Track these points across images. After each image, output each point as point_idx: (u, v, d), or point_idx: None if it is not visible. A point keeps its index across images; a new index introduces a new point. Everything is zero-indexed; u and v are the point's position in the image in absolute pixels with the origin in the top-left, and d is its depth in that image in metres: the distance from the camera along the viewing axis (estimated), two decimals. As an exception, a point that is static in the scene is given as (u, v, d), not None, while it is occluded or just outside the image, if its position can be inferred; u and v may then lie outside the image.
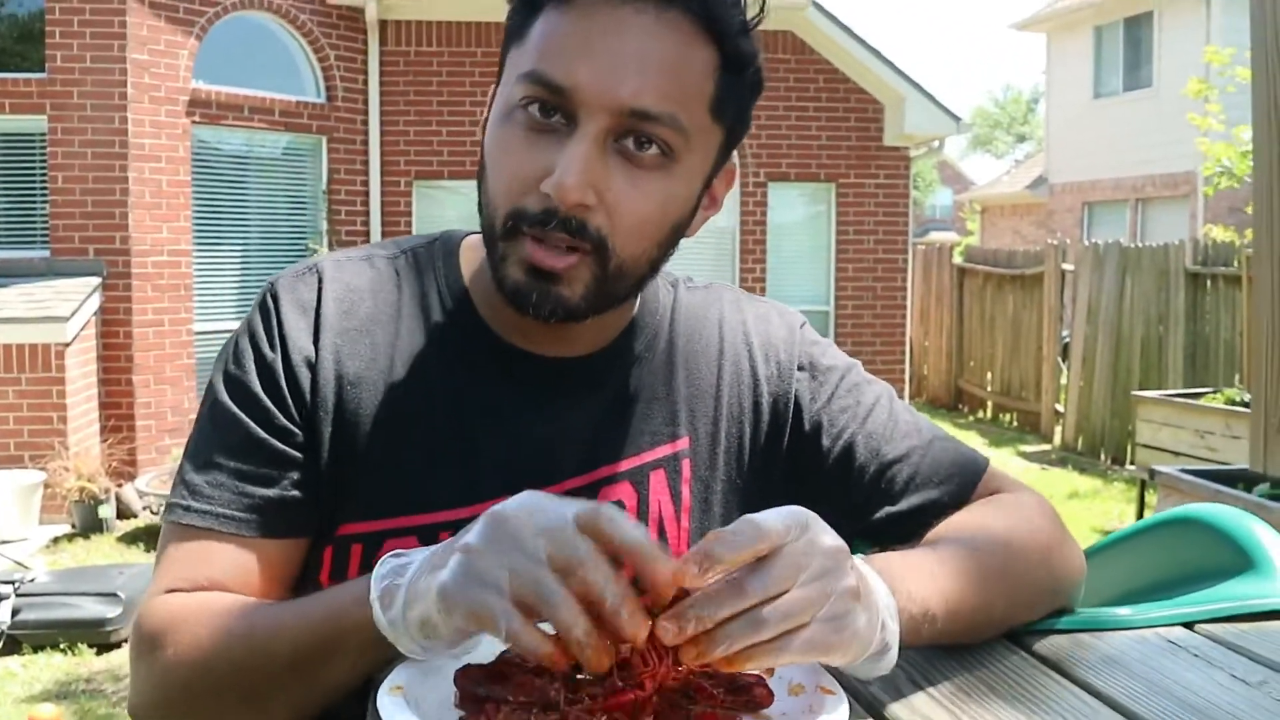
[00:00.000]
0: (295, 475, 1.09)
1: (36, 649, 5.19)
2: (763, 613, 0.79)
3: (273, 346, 1.11)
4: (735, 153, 1.13)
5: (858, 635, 0.84)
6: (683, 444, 1.18)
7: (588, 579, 0.77)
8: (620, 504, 1.14)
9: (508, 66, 1.06)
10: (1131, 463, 9.32)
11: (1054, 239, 12.16)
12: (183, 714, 1.04)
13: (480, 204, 1.07)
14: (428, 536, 0.94)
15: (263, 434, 1.09)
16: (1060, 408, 11.13)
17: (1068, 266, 11.09)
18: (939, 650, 1.05)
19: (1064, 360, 11.28)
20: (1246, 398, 7.43)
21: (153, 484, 7.47)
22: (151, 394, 8.28)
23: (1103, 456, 10.27)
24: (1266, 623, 1.17)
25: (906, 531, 1.13)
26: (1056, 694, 0.97)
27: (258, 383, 1.10)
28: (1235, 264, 9.40)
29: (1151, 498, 7.87)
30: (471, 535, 0.83)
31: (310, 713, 1.00)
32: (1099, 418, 10.40)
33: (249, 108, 8.87)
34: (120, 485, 7.70)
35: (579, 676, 0.90)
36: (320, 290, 1.14)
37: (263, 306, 1.14)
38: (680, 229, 1.09)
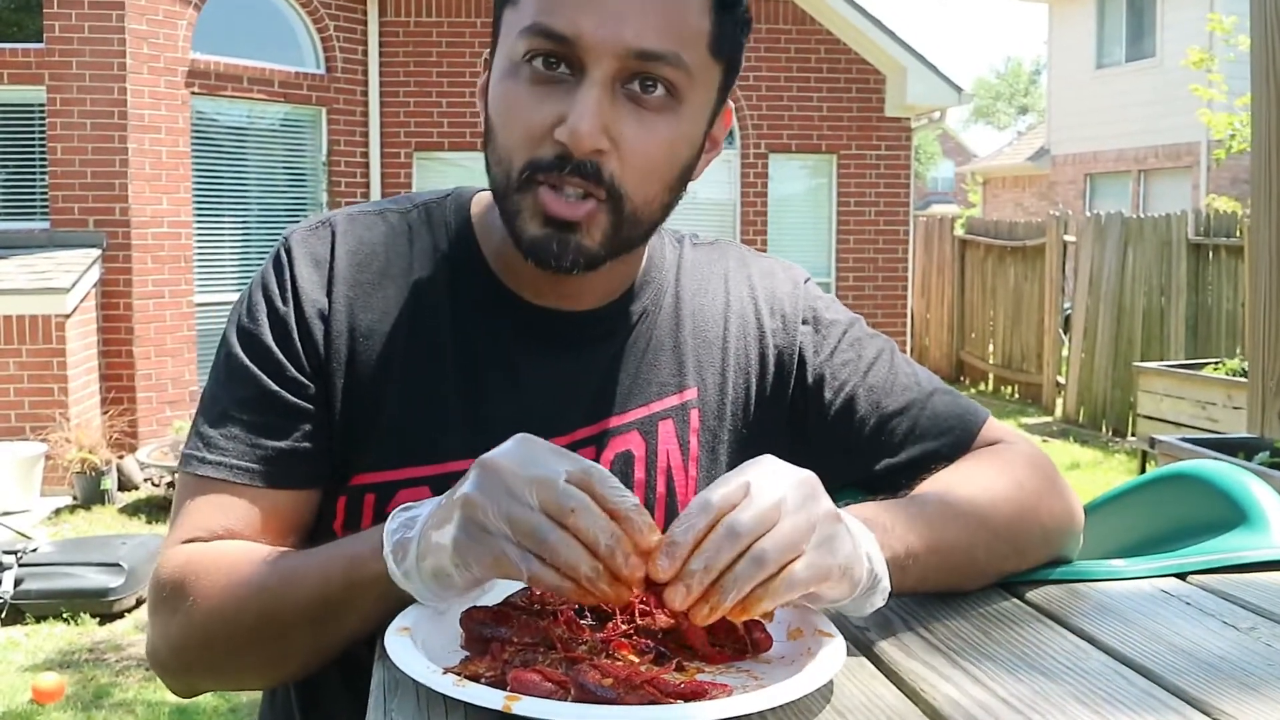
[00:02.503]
0: (307, 427, 1.11)
1: (39, 619, 5.23)
2: (762, 547, 0.82)
3: (285, 300, 1.13)
4: (729, 95, 1.15)
5: (849, 558, 0.87)
6: (690, 394, 1.20)
7: (580, 524, 0.81)
8: (629, 454, 1.17)
9: (504, 26, 1.07)
10: (1132, 434, 9.34)
11: (1056, 211, 12.15)
12: (201, 660, 1.07)
13: (488, 165, 1.09)
14: (440, 486, 0.96)
15: (275, 386, 1.11)
16: (1061, 379, 11.15)
17: (1069, 238, 11.09)
18: (933, 598, 1.07)
19: (1065, 332, 11.29)
20: (1247, 368, 7.45)
21: (154, 455, 7.50)
22: (152, 366, 8.30)
23: (1104, 428, 10.30)
24: (1258, 574, 1.18)
25: (905, 482, 1.15)
26: (1049, 639, 0.98)
27: (270, 336, 1.12)
28: (1238, 235, 9.40)
29: (1152, 468, 7.90)
30: (467, 485, 0.85)
31: (324, 659, 1.03)
32: (1100, 389, 10.42)
33: (248, 79, 8.85)
34: (121, 457, 7.73)
35: (582, 620, 0.92)
36: (334, 243, 1.16)
37: (276, 260, 1.15)
38: (687, 171, 1.11)
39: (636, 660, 0.85)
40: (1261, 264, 2.19)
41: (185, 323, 8.58)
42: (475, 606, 0.90)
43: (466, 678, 0.80)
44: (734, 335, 1.23)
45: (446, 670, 0.81)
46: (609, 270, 1.13)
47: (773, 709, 0.79)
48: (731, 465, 1.20)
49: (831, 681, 0.85)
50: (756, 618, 0.94)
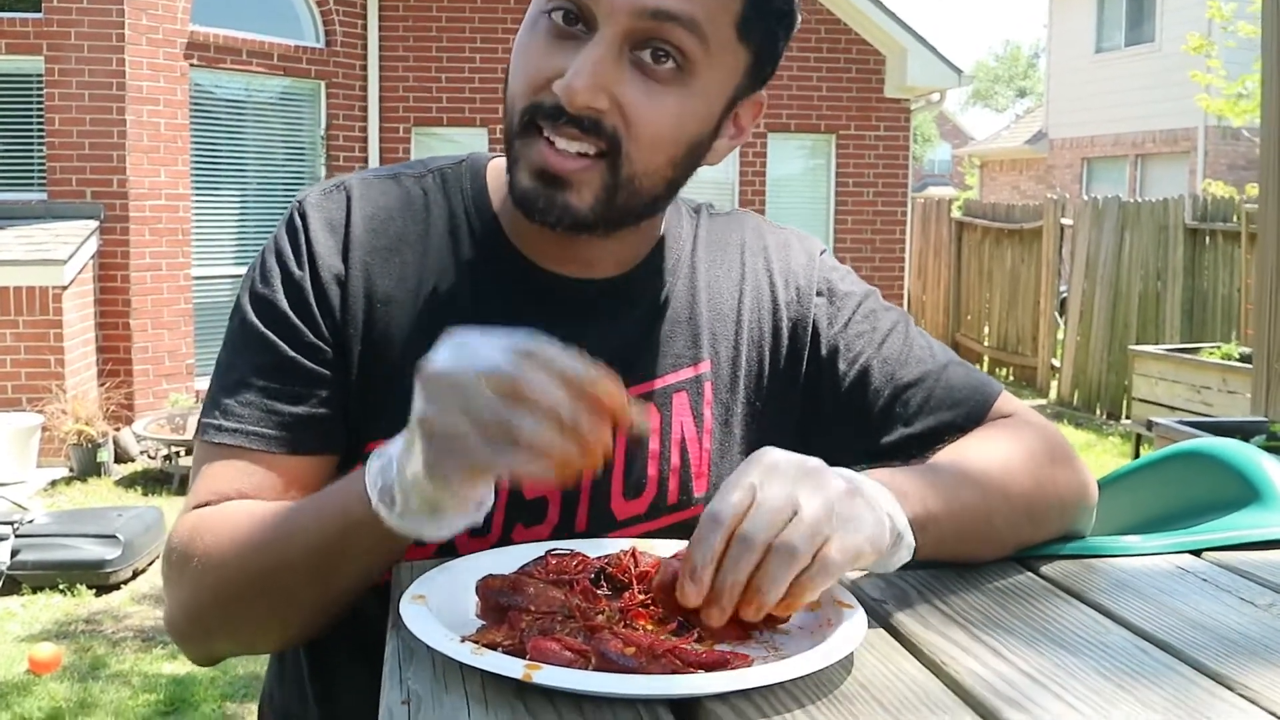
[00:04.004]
0: (324, 393, 1.11)
1: (36, 589, 5.22)
2: (788, 540, 0.81)
3: (301, 264, 1.11)
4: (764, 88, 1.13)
5: (872, 529, 0.87)
6: (705, 367, 1.19)
7: (537, 397, 0.79)
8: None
9: None
10: (1127, 417, 9.35)
11: (1053, 194, 12.14)
12: (214, 621, 1.06)
13: (504, 119, 1.08)
14: None
15: (291, 352, 1.10)
16: (1057, 362, 11.15)
17: (1066, 221, 11.08)
18: (949, 571, 1.06)
19: (1061, 315, 11.29)
20: (1244, 352, 7.46)
21: (150, 428, 7.49)
22: (149, 338, 8.28)
23: (1098, 411, 10.31)
24: (1272, 551, 1.18)
25: (919, 453, 1.15)
26: (1068, 613, 0.97)
27: (286, 301, 1.11)
28: (1234, 220, 9.39)
29: (1146, 451, 7.91)
30: (419, 404, 0.84)
31: (334, 611, 1.03)
32: (1095, 372, 10.43)
33: (247, 51, 8.81)
34: (118, 429, 7.72)
35: (598, 589, 0.91)
36: (349, 208, 1.14)
37: (290, 224, 1.14)
38: (698, 150, 1.10)
39: (654, 630, 0.84)
40: (1268, 245, 2.19)
41: (182, 296, 8.55)
42: (491, 575, 0.89)
43: (484, 646, 0.79)
44: (748, 307, 1.22)
45: (464, 639, 0.80)
46: (622, 238, 1.13)
47: (794, 680, 0.78)
48: (745, 437, 1.20)
49: (852, 653, 0.84)
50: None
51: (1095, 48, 19.34)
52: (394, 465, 0.89)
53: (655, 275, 1.20)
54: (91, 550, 5.29)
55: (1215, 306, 9.72)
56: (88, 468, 7.35)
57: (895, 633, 0.93)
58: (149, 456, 7.73)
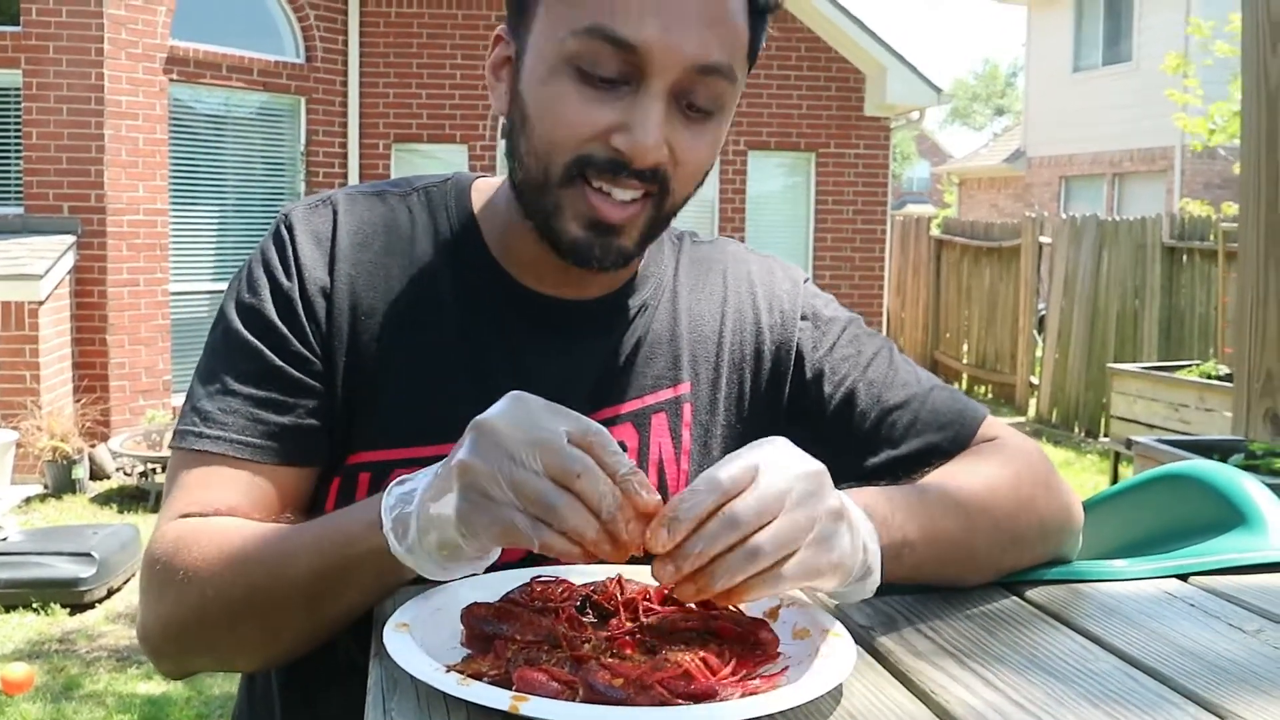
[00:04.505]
0: (310, 403, 1.10)
1: (8, 608, 5.17)
2: (759, 541, 0.81)
3: (289, 275, 1.12)
4: None
5: (845, 556, 0.87)
6: (684, 388, 1.20)
7: (585, 489, 0.80)
8: (623, 445, 1.15)
9: (544, 11, 1.04)
10: (1105, 435, 9.38)
11: (1031, 212, 12.19)
12: (193, 637, 1.04)
13: (517, 154, 1.08)
14: None
15: (279, 361, 1.09)
16: (1035, 380, 11.19)
17: (1045, 240, 11.13)
18: (936, 597, 1.06)
19: (1039, 333, 11.33)
20: (1222, 371, 7.50)
21: (126, 445, 7.43)
22: (126, 354, 8.23)
23: (1077, 429, 10.34)
24: (1260, 575, 1.18)
25: (905, 476, 1.14)
26: (1056, 640, 0.97)
27: (274, 311, 1.10)
28: (1211, 239, 9.45)
29: (1125, 469, 7.94)
30: (464, 451, 0.83)
31: (321, 638, 1.01)
32: (1074, 390, 10.47)
33: (227, 66, 8.78)
34: (94, 446, 7.66)
35: (584, 617, 0.90)
36: (335, 222, 1.15)
37: (277, 236, 1.14)
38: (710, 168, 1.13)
39: (642, 659, 0.83)
40: (1248, 266, 2.20)
41: (160, 311, 8.50)
42: (476, 603, 0.88)
43: (469, 676, 0.78)
44: (730, 330, 1.23)
45: (449, 668, 0.79)
46: None
47: (784, 711, 0.77)
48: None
49: (841, 683, 0.83)
50: (761, 616, 0.93)
51: (1073, 67, 19.47)
52: (416, 498, 0.87)
53: (637, 298, 1.21)
54: (66, 568, 5.24)
55: (1192, 325, 9.76)
56: (63, 485, 7.29)
57: (883, 660, 0.92)
58: (125, 473, 7.67)
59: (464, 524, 0.83)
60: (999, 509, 1.08)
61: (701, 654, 0.82)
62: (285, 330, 1.10)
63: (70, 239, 7.85)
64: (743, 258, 1.29)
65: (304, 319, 1.11)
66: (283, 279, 1.11)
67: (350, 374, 1.11)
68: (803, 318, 1.25)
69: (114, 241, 8.08)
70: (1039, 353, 11.27)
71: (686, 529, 0.80)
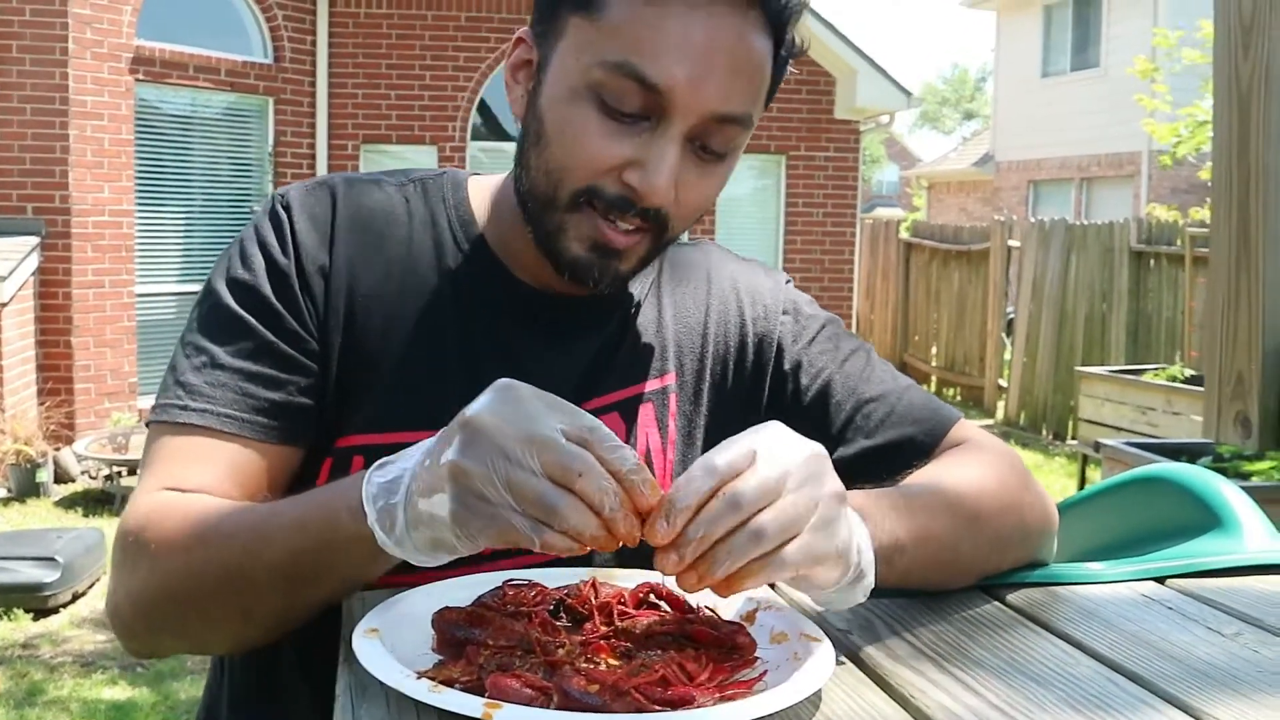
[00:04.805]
0: (303, 381, 1.09)
1: (-28, 613, 5.10)
2: (761, 522, 0.78)
3: (286, 253, 1.11)
4: None
5: (845, 542, 0.84)
6: (670, 379, 1.22)
7: (587, 488, 0.77)
8: None
9: (573, 31, 1.04)
10: (1073, 437, 9.43)
11: (1000, 216, 12.25)
12: (164, 616, 1.01)
13: (526, 164, 1.08)
14: None
15: (272, 337, 1.08)
16: (1004, 383, 11.24)
17: (1014, 243, 11.18)
18: (915, 601, 1.05)
19: (1008, 336, 11.38)
20: (1188, 374, 7.55)
21: (91, 448, 7.35)
22: (91, 357, 8.14)
23: (1044, 431, 10.39)
24: (1236, 578, 1.17)
25: (881, 468, 1.14)
26: (1035, 643, 0.96)
27: (269, 287, 1.09)
28: (1178, 243, 9.52)
29: (1093, 472, 7.98)
30: (454, 451, 0.80)
31: (297, 621, 0.98)
32: (1042, 393, 10.52)
33: (194, 66, 8.71)
34: (58, 449, 7.57)
35: (556, 621, 0.88)
36: (334, 204, 1.15)
37: (274, 215, 1.13)
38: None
39: (617, 664, 0.82)
40: (1219, 268, 2.21)
41: (125, 313, 8.41)
42: (448, 607, 0.87)
43: (441, 683, 0.76)
44: (714, 322, 1.25)
45: (420, 675, 0.77)
46: None
47: (763, 718, 0.76)
48: (706, 450, 1.19)
49: (820, 689, 0.82)
50: (738, 620, 0.91)
51: (1042, 72, 19.60)
52: (403, 492, 0.83)
53: (626, 293, 1.22)
54: (29, 573, 5.17)
55: (1159, 329, 9.83)
56: (26, 488, 7.20)
57: (862, 665, 0.91)
58: (90, 477, 7.58)
59: (459, 527, 0.80)
60: (984, 511, 1.07)
61: (678, 659, 0.81)
62: (280, 307, 1.09)
63: (34, 240, 7.76)
64: (725, 258, 1.32)
65: (300, 297, 1.10)
66: (279, 256, 1.10)
67: (346, 355, 1.11)
68: (784, 313, 1.27)
69: (79, 243, 7.99)
70: (1007, 356, 11.32)
71: (686, 515, 0.77)
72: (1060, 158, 19.14)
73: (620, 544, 0.79)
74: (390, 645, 0.82)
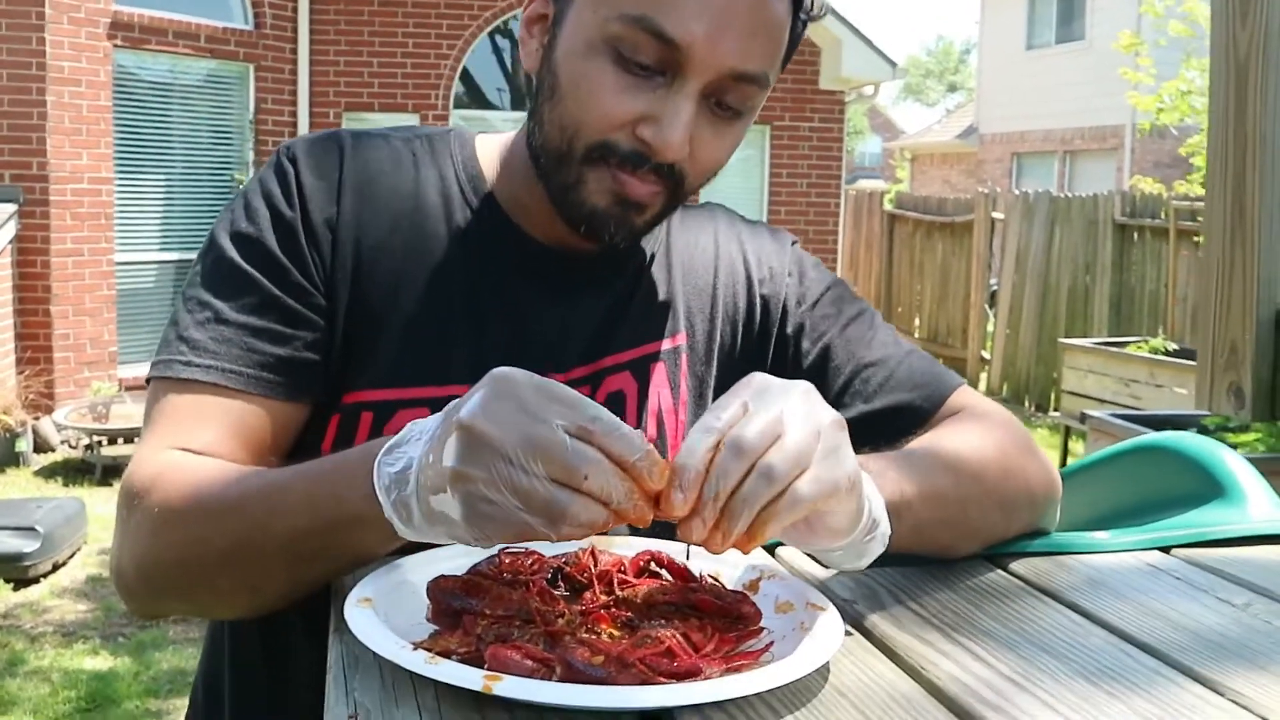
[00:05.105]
0: (309, 336, 1.07)
1: (-49, 583, 5.06)
2: (769, 460, 0.75)
3: (291, 206, 1.08)
4: None
5: (855, 471, 0.81)
6: (682, 339, 1.21)
7: (594, 487, 0.73)
8: (621, 394, 1.16)
9: None
10: (1055, 409, 9.45)
11: (984, 188, 12.24)
12: (170, 582, 0.98)
13: (539, 119, 1.06)
14: (439, 409, 0.85)
15: (278, 291, 1.06)
16: (986, 354, 11.25)
17: (998, 215, 11.17)
18: (919, 570, 1.03)
19: (991, 307, 11.39)
20: (1172, 347, 7.56)
21: (71, 417, 7.30)
22: (70, 325, 8.06)
23: (1027, 403, 10.41)
24: (1242, 548, 1.15)
25: (879, 434, 1.11)
26: (1044, 613, 0.94)
27: (274, 240, 1.07)
28: (1162, 216, 9.52)
29: (1075, 444, 8.00)
30: (453, 456, 0.75)
31: (307, 590, 0.95)
32: (1024, 364, 10.53)
33: (173, 32, 8.59)
34: (37, 418, 7.51)
35: (555, 590, 0.86)
36: (342, 157, 1.12)
37: (279, 168, 1.11)
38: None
39: (619, 634, 0.79)
40: (1213, 239, 2.18)
41: (105, 282, 8.33)
42: (443, 575, 0.84)
43: (437, 654, 0.73)
44: (723, 284, 1.24)
45: (416, 646, 0.74)
46: None
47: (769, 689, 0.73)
48: None
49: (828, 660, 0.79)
50: (741, 589, 0.89)
51: (1026, 44, 19.57)
52: (414, 485, 0.79)
53: (636, 252, 1.21)
54: (9, 543, 5.12)
55: (1142, 301, 9.85)
56: (5, 458, 7.14)
57: (869, 635, 0.88)
58: (70, 446, 7.53)
59: (474, 530, 0.76)
60: (989, 474, 1.05)
61: (683, 629, 0.78)
62: (286, 261, 1.07)
63: (12, 208, 7.66)
64: (733, 219, 1.32)
65: (307, 250, 1.07)
66: (285, 209, 1.08)
67: (352, 310, 1.09)
68: (789, 275, 1.26)
69: (57, 210, 7.90)
70: (990, 327, 11.33)
71: (697, 480, 0.75)
72: (1044, 130, 19.13)
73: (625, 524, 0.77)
74: (384, 615, 0.80)
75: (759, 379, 0.82)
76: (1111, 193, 10.25)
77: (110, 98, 8.25)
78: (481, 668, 0.71)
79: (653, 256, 1.22)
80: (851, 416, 1.16)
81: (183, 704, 4.00)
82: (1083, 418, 5.73)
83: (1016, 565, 1.07)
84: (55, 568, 5.32)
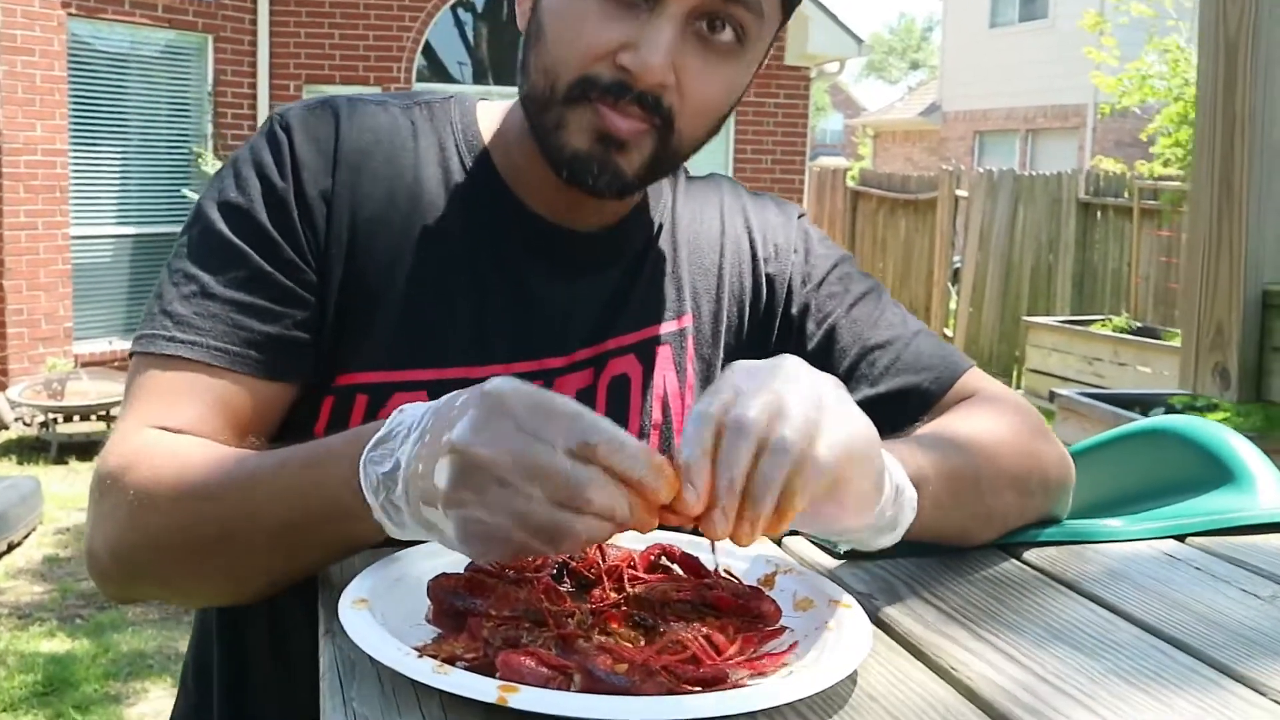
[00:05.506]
0: (299, 314, 1.01)
1: (-97, 564, 4.94)
2: (779, 434, 0.71)
3: (284, 177, 1.03)
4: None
5: (869, 428, 0.77)
6: (688, 320, 1.17)
7: (598, 506, 0.69)
8: (625, 377, 1.12)
9: None
10: (1018, 387, 9.49)
11: (948, 165, 12.25)
12: (147, 567, 0.93)
13: (526, 69, 1.02)
14: (437, 391, 0.81)
15: (268, 267, 1.00)
16: (950, 332, 11.28)
17: (961, 193, 11.18)
18: (933, 561, 0.99)
19: (954, 285, 11.41)
20: (1136, 325, 7.60)
21: (26, 394, 7.15)
22: (24, 300, 7.89)
23: (990, 381, 10.44)
24: (1257, 536, 1.12)
25: (886, 419, 1.06)
26: (1067, 607, 0.90)
27: (265, 213, 1.01)
28: (1125, 195, 9.56)
29: (1050, 423, 8.03)
30: (446, 479, 0.70)
31: (288, 583, 0.91)
32: (988, 342, 10.56)
33: (130, 2, 8.42)
34: (-9, 395, 7.37)
35: (561, 587, 0.81)
36: (338, 126, 1.06)
37: (271, 136, 1.05)
38: (728, 114, 1.07)
39: (634, 635, 0.74)
40: (1200, 217, 2.16)
41: (60, 256, 8.16)
42: (444, 574, 0.78)
43: (443, 660, 0.68)
44: (729, 263, 1.19)
45: (421, 651, 0.69)
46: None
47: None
48: None
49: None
50: (756, 585, 0.84)
51: (990, 22, 19.59)
52: (403, 491, 0.74)
53: (640, 230, 1.16)
54: (-38, 523, 5.02)
55: (1105, 279, 9.90)
56: (-42, 435, 7.00)
57: (891, 632, 0.84)
58: (25, 424, 7.38)
59: (470, 550, 0.72)
60: (1004, 458, 1.01)
61: (703, 631, 0.73)
62: (277, 235, 1.01)
63: (-37, 179, 7.50)
64: (738, 192, 1.26)
65: (299, 225, 1.02)
66: (277, 180, 1.02)
67: (347, 287, 1.03)
68: (795, 251, 1.21)
69: (10, 183, 7.73)
70: (953, 305, 11.36)
71: (705, 469, 0.70)
72: (1007, 109, 19.17)
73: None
74: (381, 617, 0.74)
75: (742, 363, 0.78)
76: (1075, 171, 10.28)
77: (65, 68, 8.06)
78: (491, 675, 0.66)
79: (658, 233, 1.17)
80: (858, 400, 1.11)
81: (142, 687, 3.93)
82: (1051, 396, 5.74)
83: (1031, 554, 1.03)
84: (10, 548, 5.21)
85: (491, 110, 1.14)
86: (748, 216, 1.23)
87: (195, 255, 1.01)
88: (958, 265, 11.39)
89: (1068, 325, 8.28)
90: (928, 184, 11.88)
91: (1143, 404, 4.73)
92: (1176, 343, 7.03)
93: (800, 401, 0.73)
